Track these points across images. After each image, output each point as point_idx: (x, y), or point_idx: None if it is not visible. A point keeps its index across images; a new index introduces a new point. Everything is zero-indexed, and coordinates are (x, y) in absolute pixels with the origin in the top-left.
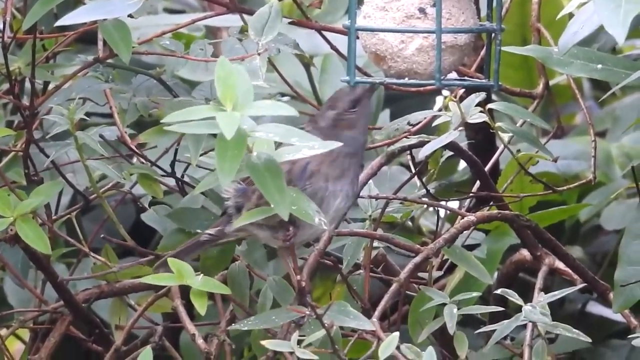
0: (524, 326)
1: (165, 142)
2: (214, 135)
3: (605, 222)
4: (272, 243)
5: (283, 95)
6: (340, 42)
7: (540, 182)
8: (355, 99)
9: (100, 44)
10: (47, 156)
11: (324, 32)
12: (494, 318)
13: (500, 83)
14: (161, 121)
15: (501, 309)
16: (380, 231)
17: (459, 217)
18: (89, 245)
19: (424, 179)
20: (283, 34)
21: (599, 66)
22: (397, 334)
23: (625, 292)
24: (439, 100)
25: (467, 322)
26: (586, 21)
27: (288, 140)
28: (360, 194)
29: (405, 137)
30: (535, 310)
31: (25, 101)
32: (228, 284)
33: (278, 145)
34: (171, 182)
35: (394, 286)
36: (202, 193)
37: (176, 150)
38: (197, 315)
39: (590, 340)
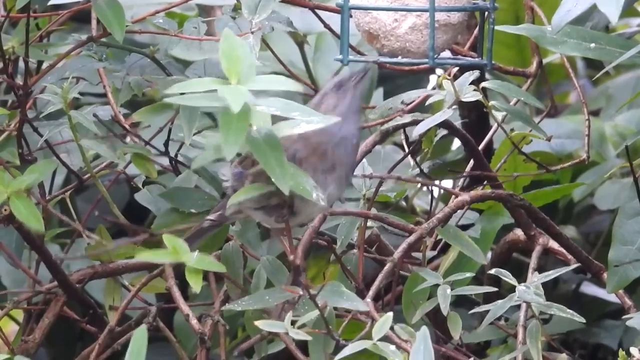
0: (518, 307)
1: (159, 121)
2: (208, 115)
3: (599, 202)
4: (268, 224)
5: (277, 74)
6: (334, 20)
7: (533, 162)
8: (340, 81)
9: (93, 22)
10: (41, 135)
11: (318, 11)
12: (488, 298)
13: (493, 62)
14: (163, 93)
15: (495, 289)
16: (374, 210)
17: (453, 196)
18: (83, 225)
19: (417, 158)
20: (276, 12)
21: (593, 45)
22: (390, 314)
23: (619, 272)
24: (433, 79)
25: (461, 302)
26: None
27: (288, 113)
28: (355, 173)
29: (399, 115)
30: (529, 290)
31: (19, 80)
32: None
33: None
34: (165, 161)
35: (387, 266)
36: (196, 172)
37: (170, 129)
38: (191, 295)
39: (584, 321)
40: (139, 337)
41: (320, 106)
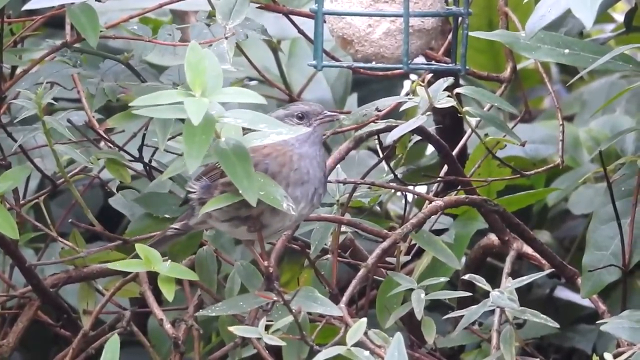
0: (492, 311)
1: (133, 127)
2: (182, 120)
3: (573, 207)
4: (235, 235)
5: (251, 79)
6: (308, 26)
7: (508, 166)
8: (303, 112)
9: (67, 28)
10: (15, 140)
11: (292, 16)
12: (462, 303)
13: (467, 67)
14: (130, 104)
15: (469, 294)
16: (348, 216)
17: (427, 201)
18: (57, 230)
19: (391, 164)
20: (250, 19)
21: (566, 51)
22: (364, 320)
23: (593, 277)
24: (407, 85)
25: (435, 307)
26: (553, 4)
27: (256, 126)
28: (329, 179)
29: (373, 121)
30: (503, 295)
31: None
32: (196, 269)
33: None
34: (139, 166)
35: (361, 271)
36: (170, 178)
37: (144, 135)
38: (165, 300)
39: (558, 326)
40: (112, 346)
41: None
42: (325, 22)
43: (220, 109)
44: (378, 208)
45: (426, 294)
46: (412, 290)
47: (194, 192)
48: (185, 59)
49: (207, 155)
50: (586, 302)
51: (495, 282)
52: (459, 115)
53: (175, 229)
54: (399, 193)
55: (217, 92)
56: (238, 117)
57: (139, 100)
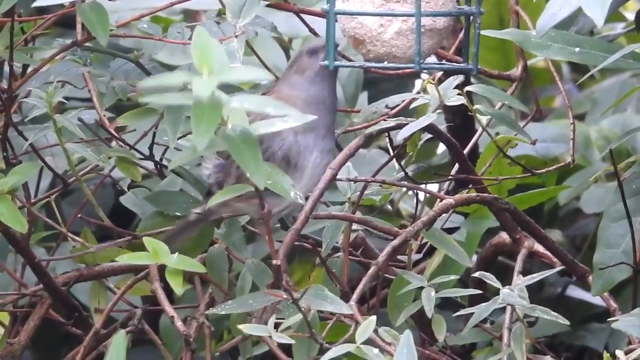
0: (504, 309)
1: (144, 125)
2: None
3: (584, 205)
4: (252, 215)
5: None
6: (319, 25)
7: (519, 165)
8: (314, 47)
9: (78, 27)
10: (26, 139)
11: (303, 15)
12: (473, 301)
13: (479, 66)
14: (140, 100)
15: (480, 292)
16: (359, 214)
17: (438, 200)
18: (68, 229)
19: (402, 162)
20: (260, 17)
21: (577, 49)
22: (374, 317)
23: (604, 275)
24: (418, 84)
25: (446, 305)
26: (564, 3)
27: (263, 109)
28: (339, 177)
29: (384, 119)
30: (513, 293)
31: (4, 84)
32: (207, 267)
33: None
34: (150, 165)
35: (372, 269)
36: (180, 176)
37: (154, 133)
38: (176, 298)
39: (568, 323)
40: (118, 343)
41: (292, 68)
42: (336, 21)
43: (226, 96)
44: (389, 206)
45: (437, 292)
46: (422, 288)
47: (208, 172)
48: (192, 42)
49: (214, 143)
50: (597, 301)
51: (506, 281)
52: (469, 113)
53: (198, 213)
54: (410, 191)
55: (225, 71)
56: (244, 100)
57: (148, 87)
